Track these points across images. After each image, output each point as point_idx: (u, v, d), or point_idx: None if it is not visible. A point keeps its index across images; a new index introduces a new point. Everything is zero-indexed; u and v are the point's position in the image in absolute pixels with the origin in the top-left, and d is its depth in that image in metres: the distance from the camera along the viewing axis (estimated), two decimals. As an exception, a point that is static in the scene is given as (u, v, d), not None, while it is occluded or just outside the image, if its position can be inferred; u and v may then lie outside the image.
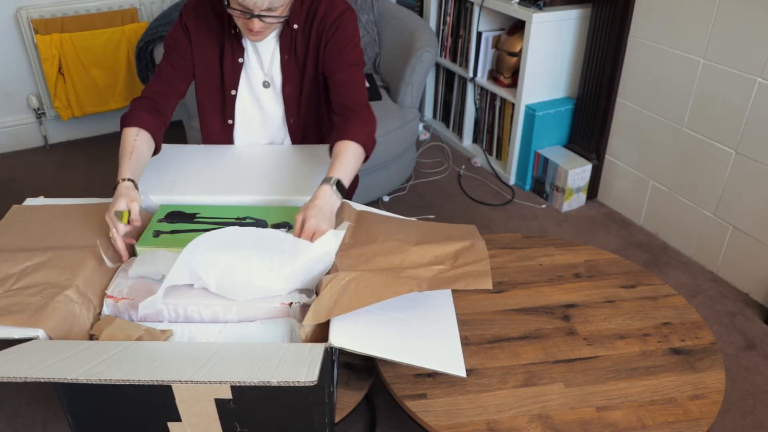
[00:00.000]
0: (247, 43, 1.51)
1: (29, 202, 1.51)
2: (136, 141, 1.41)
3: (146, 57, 2.50)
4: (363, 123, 1.41)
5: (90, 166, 2.96)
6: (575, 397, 1.17)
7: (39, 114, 3.03)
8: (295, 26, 1.48)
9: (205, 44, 1.51)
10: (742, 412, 1.70)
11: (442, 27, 3.08)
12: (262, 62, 1.54)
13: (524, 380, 1.21)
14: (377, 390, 1.30)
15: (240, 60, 1.53)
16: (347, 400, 1.19)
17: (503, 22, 2.83)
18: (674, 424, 1.12)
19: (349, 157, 1.35)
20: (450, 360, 1.10)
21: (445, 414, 1.14)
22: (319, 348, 0.99)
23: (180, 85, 1.54)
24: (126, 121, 1.46)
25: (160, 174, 1.60)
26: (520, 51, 2.58)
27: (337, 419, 1.15)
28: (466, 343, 1.29)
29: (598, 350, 1.28)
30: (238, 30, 1.48)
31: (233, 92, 1.57)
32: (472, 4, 2.78)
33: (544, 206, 2.66)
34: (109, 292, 1.21)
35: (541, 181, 2.70)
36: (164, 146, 1.76)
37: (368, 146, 1.41)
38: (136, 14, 2.99)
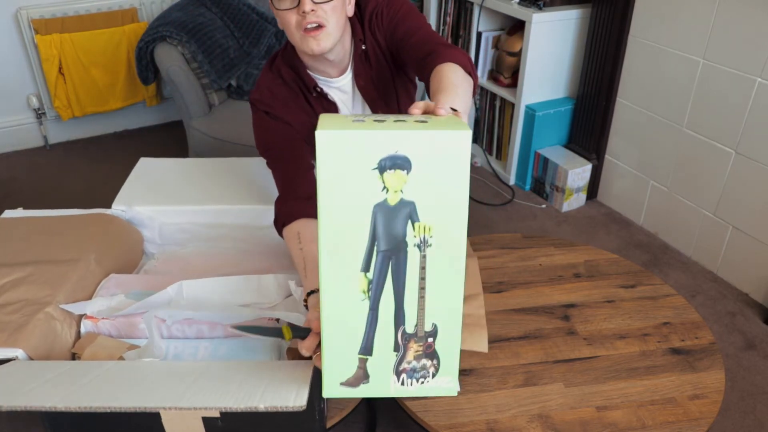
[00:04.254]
0: (336, 98, 1.41)
1: (8, 214, 1.45)
2: (302, 247, 1.23)
3: (146, 57, 2.50)
4: (456, 50, 1.22)
5: (90, 166, 2.96)
6: (575, 397, 1.17)
7: (39, 114, 3.03)
8: (364, 47, 1.38)
9: (298, 114, 1.39)
10: (741, 412, 1.70)
11: (442, 27, 3.07)
12: (354, 105, 1.45)
13: (524, 380, 1.21)
14: (377, 390, 1.31)
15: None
16: (347, 400, 1.19)
17: (503, 22, 2.83)
18: (674, 424, 1.12)
19: (453, 78, 1.09)
20: None
21: (445, 414, 1.14)
22: (307, 367, 0.96)
23: (301, 163, 1.36)
24: (279, 224, 1.33)
25: (147, 186, 1.60)
26: (520, 51, 2.58)
27: (337, 419, 1.15)
28: (466, 343, 1.29)
29: (598, 350, 1.28)
30: (320, 90, 1.38)
31: None
32: (472, 4, 2.78)
33: (544, 206, 2.66)
34: (88, 312, 1.19)
35: (541, 181, 2.70)
36: (150, 160, 1.76)
37: (467, 67, 1.19)
38: (136, 14, 2.99)
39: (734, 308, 2.08)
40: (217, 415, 0.95)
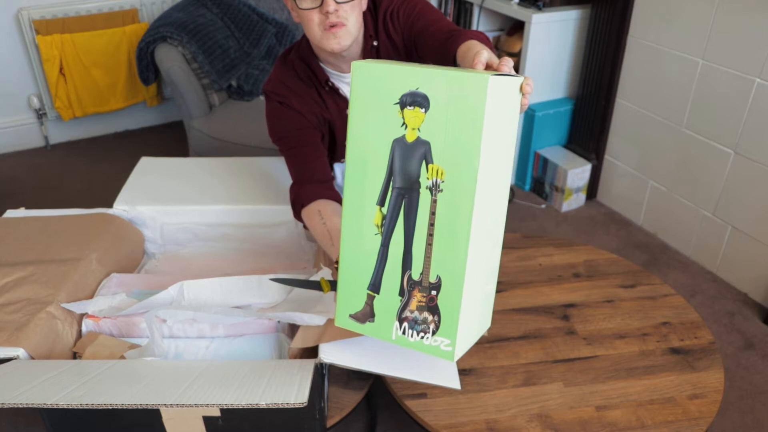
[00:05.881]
0: (348, 93, 1.39)
1: (10, 214, 1.45)
2: (325, 222, 1.28)
3: (147, 57, 2.51)
4: (477, 31, 1.21)
5: (91, 166, 2.96)
6: (574, 397, 1.18)
7: (40, 114, 3.03)
8: (375, 43, 1.39)
9: (311, 106, 1.42)
10: (740, 412, 1.71)
11: (442, 27, 3.08)
12: None
13: (524, 380, 1.22)
14: (377, 390, 1.31)
15: (348, 111, 1.44)
16: (347, 400, 1.20)
17: (503, 23, 2.83)
18: (673, 423, 1.13)
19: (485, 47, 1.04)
20: (444, 372, 1.09)
21: (445, 413, 1.14)
22: (308, 365, 0.97)
23: (314, 150, 1.40)
24: (297, 207, 1.36)
25: (148, 186, 1.60)
26: (520, 51, 2.58)
27: (337, 419, 1.15)
28: (465, 342, 1.29)
29: (598, 350, 1.29)
30: (332, 84, 1.41)
31: None
32: (472, 4, 2.78)
33: (543, 206, 2.67)
34: (89, 311, 1.19)
35: (541, 181, 2.71)
36: (151, 160, 1.76)
37: (490, 45, 1.17)
38: (137, 15, 2.99)
39: (733, 308, 2.08)
40: (218, 413, 0.95)
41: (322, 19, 1.26)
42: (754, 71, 1.95)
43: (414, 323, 0.85)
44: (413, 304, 0.84)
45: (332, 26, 1.26)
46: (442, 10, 3.03)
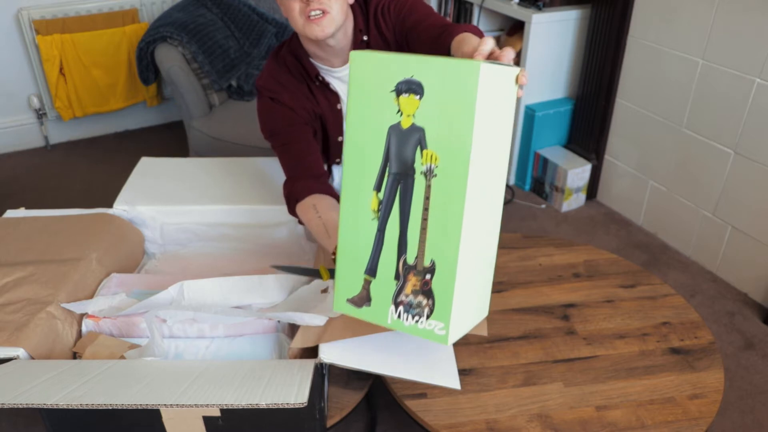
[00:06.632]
0: (338, 88, 1.43)
1: (10, 214, 1.45)
2: (321, 215, 1.28)
3: (147, 57, 2.51)
4: (469, 25, 1.22)
5: (91, 166, 2.96)
6: (575, 397, 1.18)
7: (40, 114, 3.03)
8: (365, 38, 1.39)
9: (302, 101, 1.42)
10: (740, 412, 1.71)
11: (442, 27, 3.08)
12: None
13: (524, 380, 1.22)
14: (377, 390, 1.31)
15: (338, 106, 1.45)
16: (347, 400, 1.20)
17: (503, 23, 2.83)
18: (673, 423, 1.13)
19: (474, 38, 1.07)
20: (444, 372, 1.09)
21: (445, 413, 1.14)
22: (308, 365, 0.97)
23: (307, 146, 1.40)
24: (292, 202, 1.36)
25: (148, 186, 1.60)
26: (520, 51, 2.58)
27: (337, 419, 1.15)
28: (465, 343, 1.29)
29: (598, 350, 1.29)
30: (322, 79, 1.40)
31: (340, 138, 1.49)
32: (472, 4, 2.78)
33: (543, 206, 2.67)
34: (89, 311, 1.19)
35: (541, 181, 2.71)
36: (151, 160, 1.75)
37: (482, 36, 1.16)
38: (137, 15, 2.99)
39: (733, 308, 2.09)
40: (218, 413, 0.95)
41: (302, 8, 1.26)
42: (754, 71, 1.95)
43: (409, 307, 0.86)
44: (408, 288, 0.86)
45: (315, 16, 1.26)
46: (442, 11, 3.04)
